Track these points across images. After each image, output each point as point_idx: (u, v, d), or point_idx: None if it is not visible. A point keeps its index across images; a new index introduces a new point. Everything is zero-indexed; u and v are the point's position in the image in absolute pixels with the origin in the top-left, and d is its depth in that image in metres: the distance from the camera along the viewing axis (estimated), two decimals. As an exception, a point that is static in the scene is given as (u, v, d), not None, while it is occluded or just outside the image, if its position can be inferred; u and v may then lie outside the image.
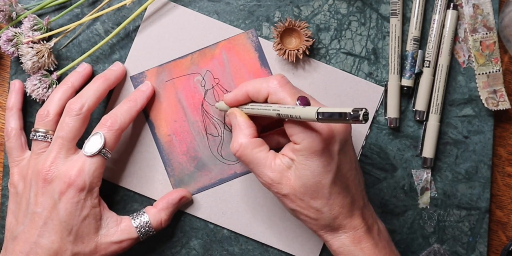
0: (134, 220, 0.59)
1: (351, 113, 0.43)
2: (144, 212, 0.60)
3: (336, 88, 0.63)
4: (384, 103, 0.64)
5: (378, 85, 0.64)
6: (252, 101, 0.56)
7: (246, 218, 0.63)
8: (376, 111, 0.64)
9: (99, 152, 0.56)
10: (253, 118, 0.57)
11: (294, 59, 0.62)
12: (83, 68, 0.62)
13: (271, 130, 0.60)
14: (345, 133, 0.53)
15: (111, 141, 0.57)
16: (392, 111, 0.63)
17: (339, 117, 0.44)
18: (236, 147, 0.54)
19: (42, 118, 0.59)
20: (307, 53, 0.62)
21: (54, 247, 0.55)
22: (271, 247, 0.63)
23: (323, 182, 0.52)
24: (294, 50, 0.61)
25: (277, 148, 0.56)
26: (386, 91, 0.63)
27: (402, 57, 0.64)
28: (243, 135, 0.55)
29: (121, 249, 0.58)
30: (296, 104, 0.51)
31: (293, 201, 0.54)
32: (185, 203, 0.63)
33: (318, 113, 0.45)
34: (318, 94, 0.63)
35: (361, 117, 0.42)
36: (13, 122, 0.61)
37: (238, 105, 0.57)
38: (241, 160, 0.55)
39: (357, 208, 0.55)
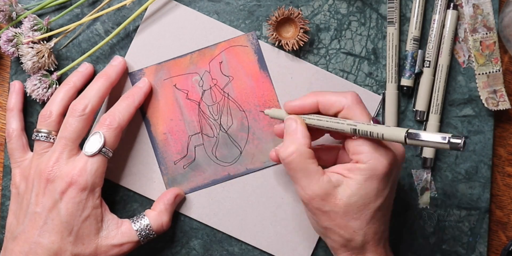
0: (134, 223, 0.59)
1: (451, 140, 0.40)
2: (144, 215, 0.60)
3: None
4: (382, 107, 0.63)
5: (376, 94, 0.63)
6: (317, 113, 0.55)
7: (237, 220, 0.63)
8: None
9: (99, 151, 0.56)
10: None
11: (291, 48, 0.61)
12: (85, 68, 0.62)
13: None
14: (402, 160, 0.53)
15: (111, 139, 0.57)
16: (390, 120, 0.63)
17: (435, 141, 0.42)
18: (290, 152, 0.52)
19: (45, 119, 0.59)
20: (305, 40, 0.62)
21: (54, 248, 0.55)
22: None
23: (371, 206, 0.52)
24: (291, 40, 0.61)
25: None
26: (384, 99, 0.63)
27: (400, 64, 0.63)
28: (300, 142, 0.52)
29: (121, 253, 0.58)
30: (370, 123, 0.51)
31: (332, 219, 0.52)
32: (180, 201, 0.63)
33: (408, 134, 0.44)
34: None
35: (461, 144, 0.40)
36: (14, 123, 0.61)
37: (301, 113, 0.55)
38: (288, 166, 0.52)
39: (385, 238, 0.55)
